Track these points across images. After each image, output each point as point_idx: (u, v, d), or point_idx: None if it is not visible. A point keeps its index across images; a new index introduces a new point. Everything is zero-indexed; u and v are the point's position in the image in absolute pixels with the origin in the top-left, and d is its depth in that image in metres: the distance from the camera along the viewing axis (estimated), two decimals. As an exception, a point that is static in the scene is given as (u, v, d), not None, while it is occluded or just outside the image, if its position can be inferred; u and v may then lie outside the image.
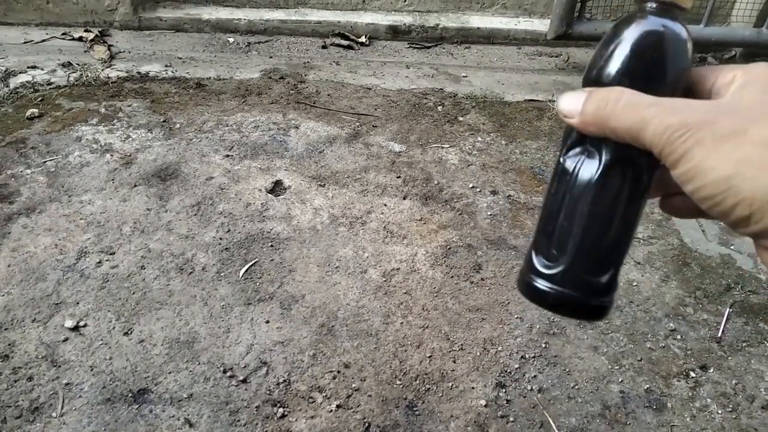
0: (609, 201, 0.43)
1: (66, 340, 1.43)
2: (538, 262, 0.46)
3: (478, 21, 3.29)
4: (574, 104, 0.42)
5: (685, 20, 0.43)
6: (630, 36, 0.41)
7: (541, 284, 0.45)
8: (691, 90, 0.43)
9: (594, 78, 0.43)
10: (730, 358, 1.51)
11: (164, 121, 2.28)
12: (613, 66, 0.42)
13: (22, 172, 1.95)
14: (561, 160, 0.45)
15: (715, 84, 0.42)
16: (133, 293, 1.56)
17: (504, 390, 1.39)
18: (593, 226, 0.43)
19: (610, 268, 0.45)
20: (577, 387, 1.41)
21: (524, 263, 0.48)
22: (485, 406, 1.36)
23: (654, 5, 0.42)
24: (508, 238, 1.84)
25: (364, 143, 2.25)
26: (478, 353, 1.47)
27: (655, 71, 0.41)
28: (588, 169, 0.43)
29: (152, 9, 3.16)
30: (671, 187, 0.45)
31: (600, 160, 0.42)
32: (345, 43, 3.12)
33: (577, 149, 0.44)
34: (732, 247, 1.86)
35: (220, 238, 1.75)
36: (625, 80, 0.41)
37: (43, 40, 2.91)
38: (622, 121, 0.38)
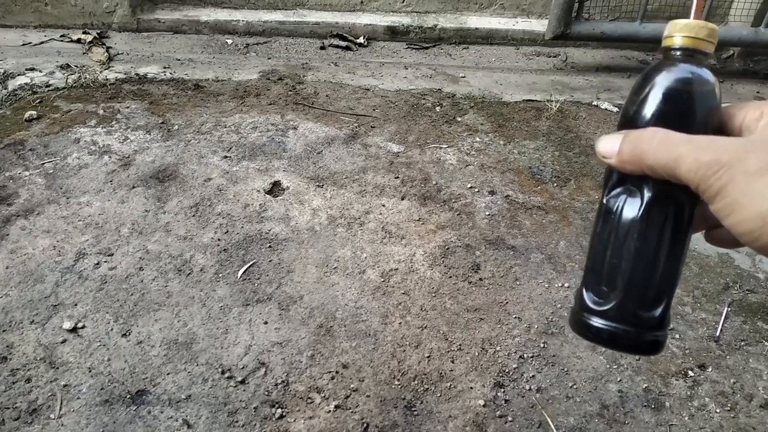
0: (654, 236, 0.45)
1: (64, 341, 1.43)
2: (589, 300, 0.48)
3: (476, 21, 3.29)
4: (612, 145, 0.44)
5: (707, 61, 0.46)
6: (660, 82, 0.44)
7: (595, 321, 0.47)
8: (722, 128, 0.45)
9: (628, 122, 0.46)
10: (728, 357, 1.51)
11: (162, 123, 2.28)
12: (646, 110, 0.44)
13: (20, 173, 1.95)
14: (604, 200, 0.48)
15: (744, 120, 0.44)
16: (132, 294, 1.56)
17: (502, 390, 1.39)
18: (640, 261, 0.45)
19: (661, 302, 0.46)
20: (575, 386, 1.41)
21: (575, 302, 0.50)
22: (484, 406, 1.36)
23: (679, 53, 0.45)
24: (506, 238, 1.84)
25: (363, 144, 2.25)
26: (477, 353, 1.47)
27: (686, 113, 0.43)
28: (631, 207, 0.46)
29: (150, 11, 3.16)
30: (712, 220, 0.47)
31: (642, 198, 0.45)
32: (343, 44, 3.13)
33: (619, 189, 0.47)
34: (730, 247, 1.86)
35: (219, 239, 1.75)
36: (658, 122, 0.44)
37: (42, 42, 2.91)
38: (658, 158, 0.41)
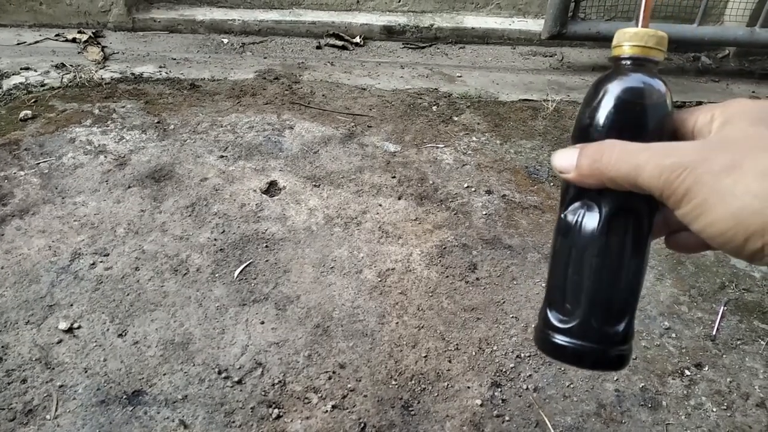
0: (615, 250, 0.44)
1: (60, 342, 1.42)
2: (553, 318, 0.47)
3: (473, 21, 3.29)
4: (568, 160, 0.44)
5: (660, 68, 0.46)
6: (611, 93, 0.44)
7: (559, 339, 0.46)
8: (676, 134, 0.44)
9: (582, 134, 0.45)
10: (724, 356, 1.51)
11: (158, 122, 2.28)
12: (600, 121, 0.44)
13: (15, 173, 1.94)
14: (562, 216, 0.47)
15: (696, 124, 0.43)
16: (128, 295, 1.55)
17: (499, 389, 1.39)
18: (602, 276, 0.45)
19: (625, 315, 0.46)
20: (572, 386, 1.41)
21: (539, 319, 0.49)
22: (481, 405, 1.36)
23: (629, 62, 0.45)
24: (503, 237, 1.84)
25: (359, 143, 2.25)
26: (474, 353, 1.47)
27: (639, 122, 0.43)
28: (590, 221, 0.45)
29: (146, 10, 3.15)
30: (674, 225, 0.47)
31: (600, 212, 0.44)
32: (339, 43, 3.12)
33: (577, 204, 0.46)
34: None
35: (215, 239, 1.75)
36: (613, 133, 0.43)
37: (37, 42, 2.90)
38: (619, 169, 0.40)
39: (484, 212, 1.94)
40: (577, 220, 0.45)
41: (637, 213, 0.44)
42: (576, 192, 0.46)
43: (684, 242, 0.48)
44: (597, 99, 0.45)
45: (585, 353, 0.45)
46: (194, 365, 1.39)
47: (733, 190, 0.35)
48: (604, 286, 0.45)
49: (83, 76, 2.55)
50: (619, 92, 0.44)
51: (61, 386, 1.32)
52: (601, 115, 0.44)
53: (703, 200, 0.36)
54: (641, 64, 0.45)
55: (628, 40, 0.45)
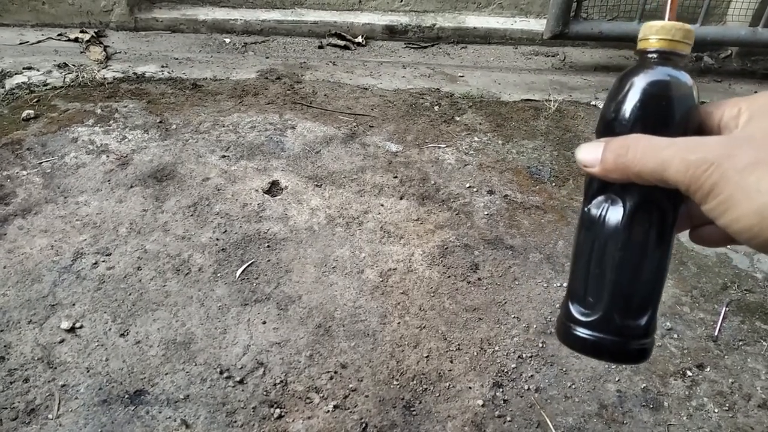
0: (638, 244, 0.44)
1: (62, 341, 1.42)
2: (575, 310, 0.47)
3: (475, 21, 3.29)
4: (593, 154, 0.44)
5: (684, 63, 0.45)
6: (637, 86, 0.44)
7: (581, 332, 0.47)
8: (701, 127, 0.44)
9: (607, 128, 0.45)
10: (726, 356, 1.51)
11: (160, 122, 2.28)
12: (625, 115, 0.44)
13: (17, 173, 1.95)
14: (585, 209, 0.47)
15: (722, 119, 0.43)
16: (130, 294, 1.56)
17: (501, 390, 1.39)
18: (626, 270, 0.45)
19: (647, 309, 0.46)
20: (574, 386, 1.41)
21: (561, 311, 0.50)
22: (482, 405, 1.36)
23: (655, 56, 0.45)
24: (504, 237, 1.84)
25: (361, 143, 2.25)
26: (475, 353, 1.47)
27: (665, 116, 0.43)
28: (614, 215, 0.45)
29: (148, 10, 3.15)
30: (697, 219, 0.47)
31: (624, 206, 0.44)
32: (341, 43, 3.12)
33: (600, 197, 0.46)
34: (728, 247, 1.86)
35: (217, 239, 1.75)
36: (638, 127, 0.43)
37: (39, 41, 2.90)
38: (644, 164, 0.40)
39: (485, 212, 1.94)
40: (600, 214, 0.46)
41: (662, 206, 0.44)
42: (600, 186, 0.46)
43: (708, 236, 0.48)
44: (623, 92, 0.44)
45: (606, 346, 0.46)
46: (196, 365, 1.39)
47: (758, 186, 0.36)
48: (626, 279, 0.45)
49: (85, 75, 2.55)
50: (645, 85, 0.44)
51: (63, 386, 1.32)
52: (627, 109, 0.44)
53: (728, 196, 0.37)
54: (668, 57, 0.44)
55: (655, 33, 0.44)
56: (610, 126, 0.45)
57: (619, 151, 0.42)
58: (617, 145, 0.42)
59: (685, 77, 0.44)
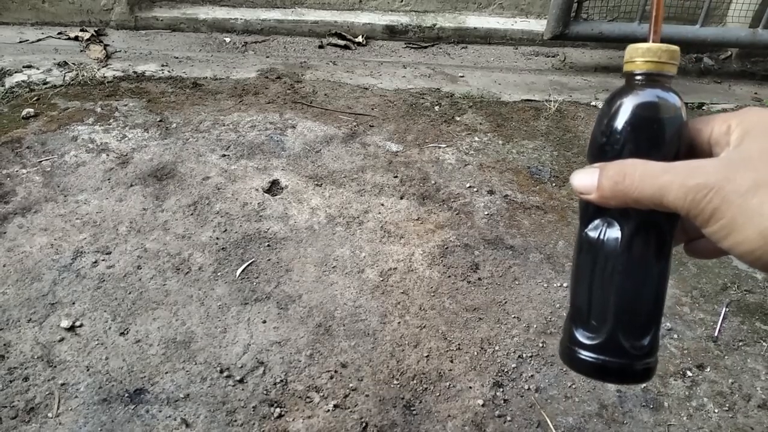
0: (638, 265, 0.45)
1: (62, 340, 1.42)
2: (579, 334, 0.47)
3: (475, 21, 3.29)
4: (588, 181, 0.44)
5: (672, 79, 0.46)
6: (627, 109, 0.44)
7: (587, 355, 0.46)
8: (691, 145, 0.45)
9: (599, 152, 0.45)
10: (726, 357, 1.51)
11: (160, 121, 2.28)
12: (616, 138, 0.44)
13: (17, 171, 1.94)
14: (583, 234, 0.47)
15: (712, 135, 0.43)
16: (130, 293, 1.55)
17: (501, 389, 1.39)
18: (628, 293, 0.45)
19: (651, 329, 0.46)
20: (574, 386, 1.41)
21: (564, 334, 0.50)
22: (482, 405, 1.36)
23: (642, 78, 0.45)
24: (505, 237, 1.84)
25: (361, 143, 2.25)
26: (476, 353, 1.47)
27: (656, 138, 0.43)
28: (612, 238, 0.45)
29: (148, 8, 3.15)
30: (692, 233, 0.48)
31: (622, 228, 0.44)
32: (342, 43, 3.12)
33: (597, 221, 0.46)
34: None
35: (217, 238, 1.75)
36: (630, 150, 0.43)
37: (39, 40, 2.90)
38: (642, 191, 0.40)
39: (486, 212, 1.94)
40: (599, 237, 0.46)
41: (660, 227, 0.44)
42: (596, 210, 0.46)
43: (703, 248, 0.48)
44: (613, 115, 0.45)
45: (613, 369, 0.46)
46: (196, 364, 1.39)
47: (761, 210, 0.36)
48: (629, 302, 0.45)
49: (85, 74, 2.55)
50: (635, 108, 0.44)
51: (63, 384, 1.32)
52: (618, 132, 0.44)
53: (731, 220, 0.37)
54: (655, 79, 0.44)
55: (641, 55, 0.44)
56: (602, 149, 0.45)
57: (615, 178, 0.42)
58: (613, 172, 0.42)
59: (674, 98, 0.44)
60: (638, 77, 0.45)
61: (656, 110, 0.43)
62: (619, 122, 0.44)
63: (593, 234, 0.46)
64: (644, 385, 1.42)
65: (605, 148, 0.45)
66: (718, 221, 0.37)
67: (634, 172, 0.41)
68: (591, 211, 0.46)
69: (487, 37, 3.26)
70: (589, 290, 0.47)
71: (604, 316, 0.46)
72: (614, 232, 0.45)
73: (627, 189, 0.41)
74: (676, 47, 0.44)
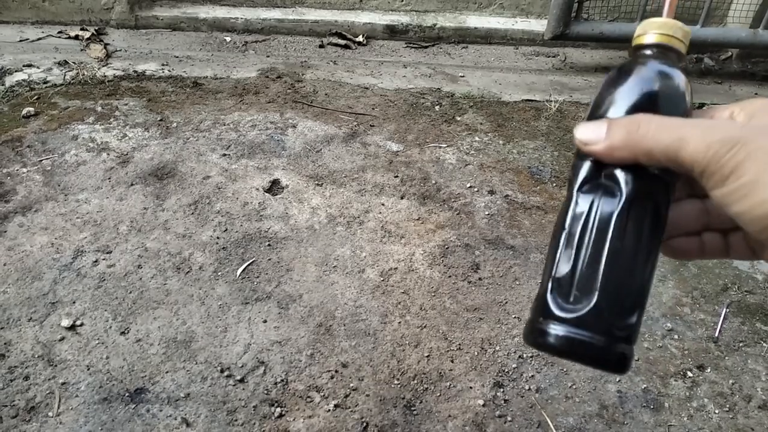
0: (634, 235, 0.42)
1: (62, 339, 1.42)
2: (556, 307, 0.43)
3: (476, 21, 3.29)
4: (596, 131, 0.41)
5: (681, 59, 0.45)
6: (636, 77, 0.43)
7: (562, 330, 0.42)
8: None
9: (603, 114, 0.43)
10: (727, 357, 1.51)
11: (161, 120, 2.27)
12: (624, 104, 0.42)
13: (18, 170, 1.94)
14: (575, 196, 0.44)
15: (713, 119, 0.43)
16: (130, 292, 1.55)
17: (502, 390, 1.39)
18: (620, 263, 0.42)
19: (636, 309, 0.43)
20: (574, 387, 1.41)
21: (535, 310, 0.45)
22: (483, 405, 1.36)
23: (655, 50, 0.44)
24: (505, 237, 1.84)
25: (362, 143, 2.25)
26: (476, 353, 1.47)
27: (665, 108, 0.42)
28: (609, 203, 0.42)
29: (149, 8, 3.15)
30: (674, 230, 0.46)
31: (621, 193, 0.42)
32: (342, 42, 3.12)
33: (592, 184, 0.44)
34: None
35: (218, 238, 1.75)
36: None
37: (39, 39, 2.90)
38: (659, 141, 0.38)
39: (486, 212, 1.94)
40: (593, 201, 0.43)
41: (656, 200, 0.43)
42: (592, 171, 0.43)
43: (678, 247, 0.47)
44: (620, 82, 0.43)
45: (590, 346, 0.42)
46: (197, 363, 1.39)
47: None
48: (621, 272, 0.42)
49: (86, 73, 2.54)
50: (646, 77, 0.42)
51: (63, 383, 1.32)
52: (625, 99, 0.42)
53: (753, 178, 0.34)
54: (666, 54, 0.44)
55: (657, 28, 0.44)
56: (606, 112, 0.43)
57: (629, 127, 0.39)
58: (627, 121, 0.40)
59: (683, 76, 0.43)
60: (649, 50, 0.44)
61: (671, 82, 0.42)
62: (630, 89, 0.43)
63: (587, 197, 0.43)
64: (644, 386, 1.43)
65: (610, 111, 0.43)
66: (739, 179, 0.35)
67: (650, 121, 0.39)
68: (586, 171, 0.44)
69: (487, 37, 3.26)
70: (576, 257, 0.43)
71: (591, 286, 0.42)
72: (611, 198, 0.42)
73: (641, 137, 0.38)
74: (689, 28, 0.44)
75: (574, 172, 0.45)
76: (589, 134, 0.42)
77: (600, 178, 0.43)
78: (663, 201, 0.43)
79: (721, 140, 0.35)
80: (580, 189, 0.44)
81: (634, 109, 0.42)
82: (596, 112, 0.44)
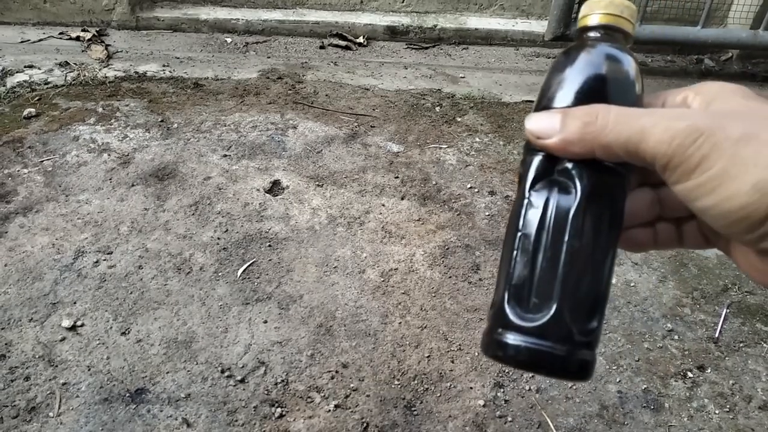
0: (592, 234, 0.40)
1: (63, 339, 1.42)
2: (514, 315, 0.40)
3: (476, 22, 3.29)
4: (549, 123, 0.38)
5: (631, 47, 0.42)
6: (585, 62, 0.40)
7: (521, 340, 0.40)
8: None
9: (551, 104, 0.40)
10: (727, 358, 1.51)
11: (162, 121, 2.28)
12: (574, 92, 0.40)
13: (19, 171, 1.95)
14: (527, 195, 0.41)
15: (665, 105, 0.40)
16: (131, 293, 1.56)
17: (502, 390, 1.39)
18: (579, 265, 0.39)
19: (597, 312, 0.41)
20: (574, 387, 1.42)
21: (492, 320, 0.42)
22: (483, 406, 1.36)
23: (602, 32, 0.41)
24: (506, 238, 1.84)
25: (362, 143, 2.25)
26: (477, 353, 1.47)
27: (618, 93, 0.39)
28: (564, 202, 0.40)
29: (150, 9, 3.15)
30: (626, 222, 0.43)
31: (576, 190, 0.39)
32: (343, 43, 3.12)
33: (544, 182, 0.41)
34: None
35: (218, 238, 1.75)
36: (592, 102, 0.38)
37: (40, 40, 2.90)
38: (618, 133, 0.35)
39: (487, 213, 1.94)
40: (548, 200, 0.40)
41: (613, 195, 0.40)
42: (544, 168, 0.40)
43: (634, 238, 0.45)
44: (567, 69, 0.40)
45: (550, 356, 0.39)
46: (197, 364, 1.39)
47: (756, 159, 0.31)
48: (581, 275, 0.39)
49: (87, 74, 2.55)
50: (594, 61, 0.40)
51: (64, 384, 1.32)
52: (573, 87, 0.40)
53: (721, 170, 0.32)
54: (612, 35, 0.41)
55: (602, 8, 0.41)
56: (555, 102, 0.40)
57: (585, 118, 0.36)
58: (582, 112, 0.36)
59: (632, 58, 0.40)
60: (597, 31, 0.41)
61: (620, 65, 0.40)
62: (579, 75, 0.40)
63: (541, 197, 0.40)
64: (645, 386, 1.43)
65: (560, 99, 0.40)
66: (705, 172, 0.33)
67: (608, 112, 0.36)
68: (537, 168, 0.41)
69: (488, 38, 3.27)
70: (533, 262, 0.40)
71: (549, 292, 0.39)
72: (567, 196, 0.39)
73: (598, 130, 0.35)
74: (635, 6, 0.42)
75: (524, 168, 0.42)
76: (542, 127, 0.38)
77: (553, 174, 0.40)
78: (620, 195, 0.41)
79: (685, 131, 0.33)
80: (532, 187, 0.41)
81: (584, 96, 0.39)
82: (542, 101, 0.41)
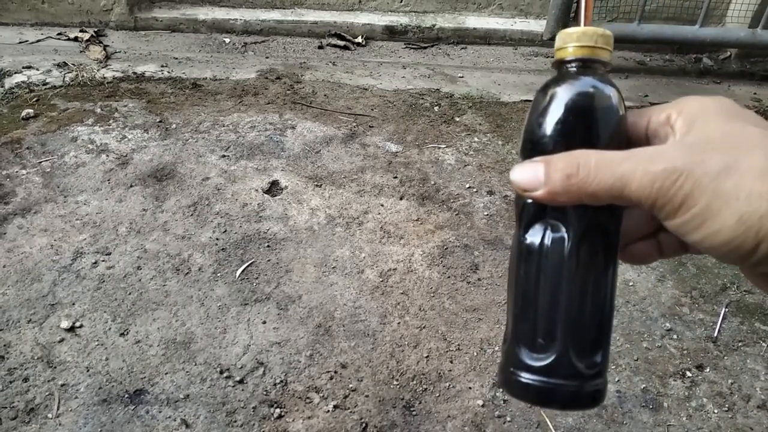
0: (589, 272, 0.40)
1: (62, 340, 1.42)
2: (524, 356, 0.42)
3: (475, 21, 3.29)
4: (533, 176, 0.38)
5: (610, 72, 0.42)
6: (564, 100, 0.40)
7: (532, 379, 0.41)
8: (629, 138, 0.41)
9: (534, 147, 0.41)
10: (726, 357, 1.51)
11: (160, 122, 2.28)
12: (556, 131, 0.40)
13: (17, 172, 1.94)
14: (522, 240, 0.42)
15: (650, 126, 0.40)
16: (129, 294, 1.55)
17: (501, 390, 1.39)
18: (578, 302, 0.40)
19: (603, 342, 0.42)
20: (573, 387, 1.41)
21: (505, 358, 0.44)
22: (482, 406, 1.36)
23: (578, 65, 0.41)
24: (504, 238, 1.84)
25: (361, 143, 2.25)
26: (475, 353, 1.47)
27: (600, 128, 0.39)
28: (558, 243, 0.40)
29: (148, 9, 3.15)
30: (627, 237, 0.44)
31: (568, 232, 0.40)
32: (341, 43, 3.12)
33: (539, 224, 0.41)
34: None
35: (217, 239, 1.75)
36: (571, 143, 0.39)
37: (39, 41, 2.90)
38: (600, 182, 0.36)
39: (485, 213, 1.94)
40: (543, 243, 0.41)
41: (607, 228, 0.41)
42: (536, 212, 0.41)
43: (638, 253, 0.45)
44: (547, 107, 0.41)
45: (563, 393, 0.41)
46: (196, 364, 1.39)
47: (737, 193, 0.32)
48: (581, 313, 0.40)
49: (85, 75, 2.55)
50: (575, 97, 0.40)
51: (62, 385, 1.32)
52: (557, 125, 0.40)
53: (705, 207, 0.33)
54: (590, 66, 0.41)
55: (575, 40, 0.40)
56: (539, 144, 0.40)
57: (567, 170, 0.36)
58: (564, 164, 0.37)
59: (611, 86, 0.40)
60: (573, 64, 0.41)
61: (599, 98, 0.40)
62: (559, 113, 0.40)
63: (534, 239, 0.41)
64: (643, 386, 1.43)
65: (543, 142, 0.40)
66: (690, 209, 0.33)
67: (588, 161, 0.36)
68: (531, 212, 0.41)
69: (486, 38, 3.27)
70: (534, 305, 0.41)
71: (552, 333, 0.41)
72: (560, 237, 0.40)
73: (582, 182, 0.36)
74: (609, 32, 0.41)
75: (518, 208, 0.43)
76: (527, 180, 0.39)
77: (546, 217, 0.41)
78: (613, 227, 0.41)
79: (663, 174, 0.34)
80: (526, 231, 0.42)
81: (565, 139, 0.39)
82: (526, 146, 0.42)
